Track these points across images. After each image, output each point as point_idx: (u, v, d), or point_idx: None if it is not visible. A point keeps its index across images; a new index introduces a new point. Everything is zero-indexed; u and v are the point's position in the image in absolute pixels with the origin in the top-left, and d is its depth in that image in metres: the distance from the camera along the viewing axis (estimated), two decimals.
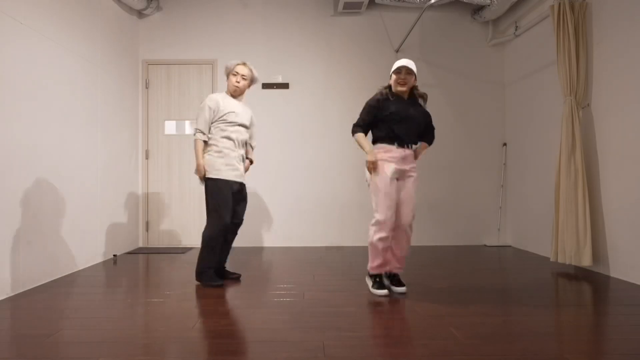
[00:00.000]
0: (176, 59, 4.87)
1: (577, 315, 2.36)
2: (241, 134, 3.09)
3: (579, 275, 3.34)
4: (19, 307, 2.53)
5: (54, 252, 3.25)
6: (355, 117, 2.88)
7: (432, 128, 2.98)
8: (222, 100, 3.06)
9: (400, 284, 2.85)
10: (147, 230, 4.85)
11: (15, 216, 2.82)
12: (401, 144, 2.76)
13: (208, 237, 2.96)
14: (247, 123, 3.15)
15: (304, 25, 4.93)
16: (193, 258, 4.09)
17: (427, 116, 2.91)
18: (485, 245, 4.84)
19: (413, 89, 2.85)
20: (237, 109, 3.08)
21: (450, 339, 1.98)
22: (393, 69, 2.80)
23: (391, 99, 2.78)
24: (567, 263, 3.40)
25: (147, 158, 4.86)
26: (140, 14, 4.84)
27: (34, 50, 3.04)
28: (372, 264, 2.82)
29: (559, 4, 3.52)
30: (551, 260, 3.56)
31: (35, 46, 3.06)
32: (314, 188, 4.90)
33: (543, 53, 4.15)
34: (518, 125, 4.68)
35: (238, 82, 3.09)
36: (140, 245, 4.83)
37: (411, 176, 2.80)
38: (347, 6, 4.71)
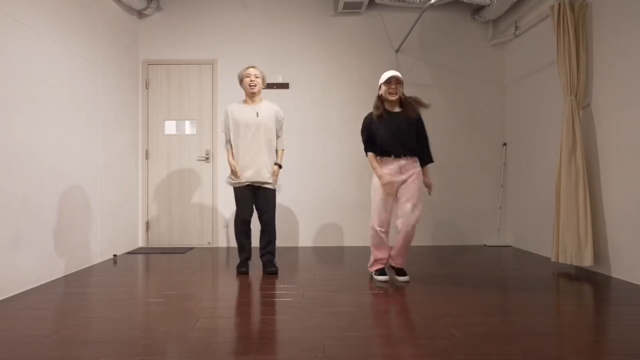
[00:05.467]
0: (176, 59, 4.88)
1: (577, 315, 2.36)
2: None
3: (579, 275, 3.33)
4: (19, 307, 2.53)
5: (54, 252, 3.25)
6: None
7: (426, 140, 3.12)
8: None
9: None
10: (147, 230, 4.85)
11: (15, 216, 2.82)
12: (397, 156, 3.01)
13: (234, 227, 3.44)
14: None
15: (304, 25, 4.93)
16: (193, 258, 4.10)
17: (419, 127, 3.07)
18: (485, 245, 4.84)
19: (402, 97, 3.08)
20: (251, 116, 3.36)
21: (450, 339, 1.98)
22: (382, 80, 3.02)
23: (377, 120, 3.02)
24: (568, 263, 3.39)
25: (147, 158, 4.86)
26: (140, 14, 4.84)
27: (34, 50, 3.04)
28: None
29: (559, 4, 3.52)
30: (552, 260, 3.56)
31: (35, 46, 3.06)
32: (314, 188, 4.90)
33: (543, 53, 4.15)
34: (518, 125, 4.68)
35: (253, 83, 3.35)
36: (140, 245, 4.83)
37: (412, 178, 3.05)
38: (347, 6, 4.71)
